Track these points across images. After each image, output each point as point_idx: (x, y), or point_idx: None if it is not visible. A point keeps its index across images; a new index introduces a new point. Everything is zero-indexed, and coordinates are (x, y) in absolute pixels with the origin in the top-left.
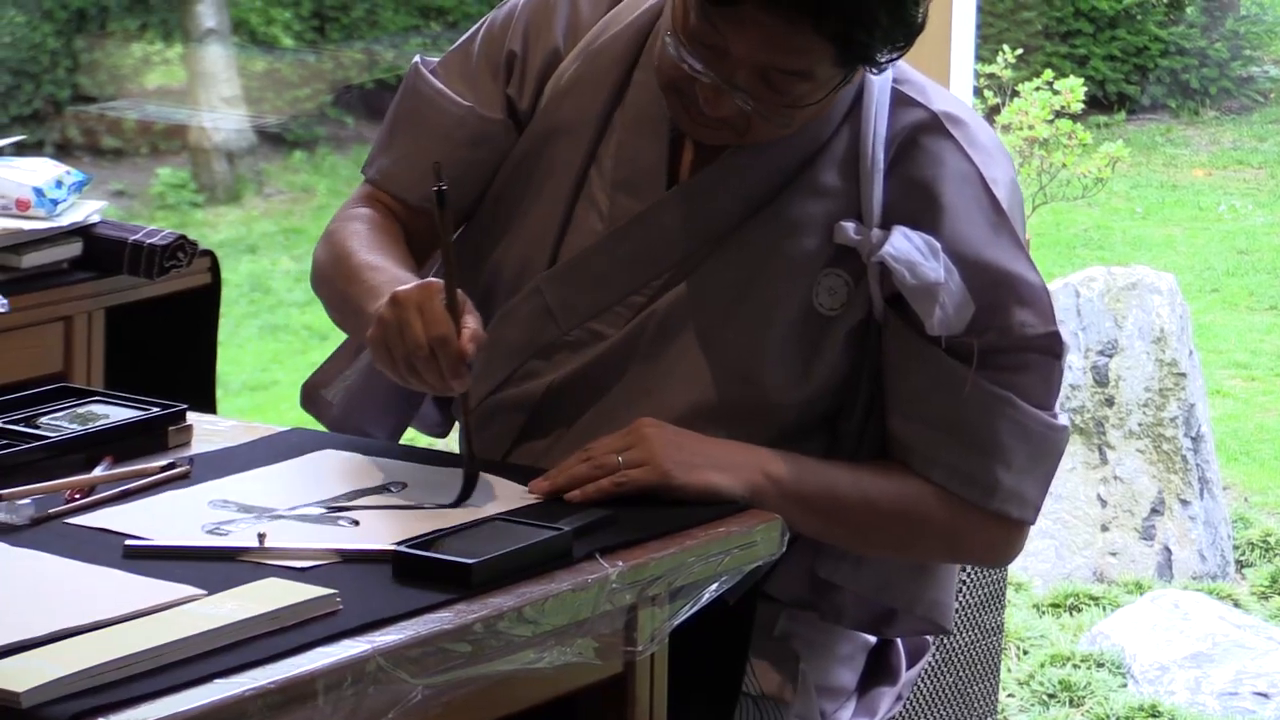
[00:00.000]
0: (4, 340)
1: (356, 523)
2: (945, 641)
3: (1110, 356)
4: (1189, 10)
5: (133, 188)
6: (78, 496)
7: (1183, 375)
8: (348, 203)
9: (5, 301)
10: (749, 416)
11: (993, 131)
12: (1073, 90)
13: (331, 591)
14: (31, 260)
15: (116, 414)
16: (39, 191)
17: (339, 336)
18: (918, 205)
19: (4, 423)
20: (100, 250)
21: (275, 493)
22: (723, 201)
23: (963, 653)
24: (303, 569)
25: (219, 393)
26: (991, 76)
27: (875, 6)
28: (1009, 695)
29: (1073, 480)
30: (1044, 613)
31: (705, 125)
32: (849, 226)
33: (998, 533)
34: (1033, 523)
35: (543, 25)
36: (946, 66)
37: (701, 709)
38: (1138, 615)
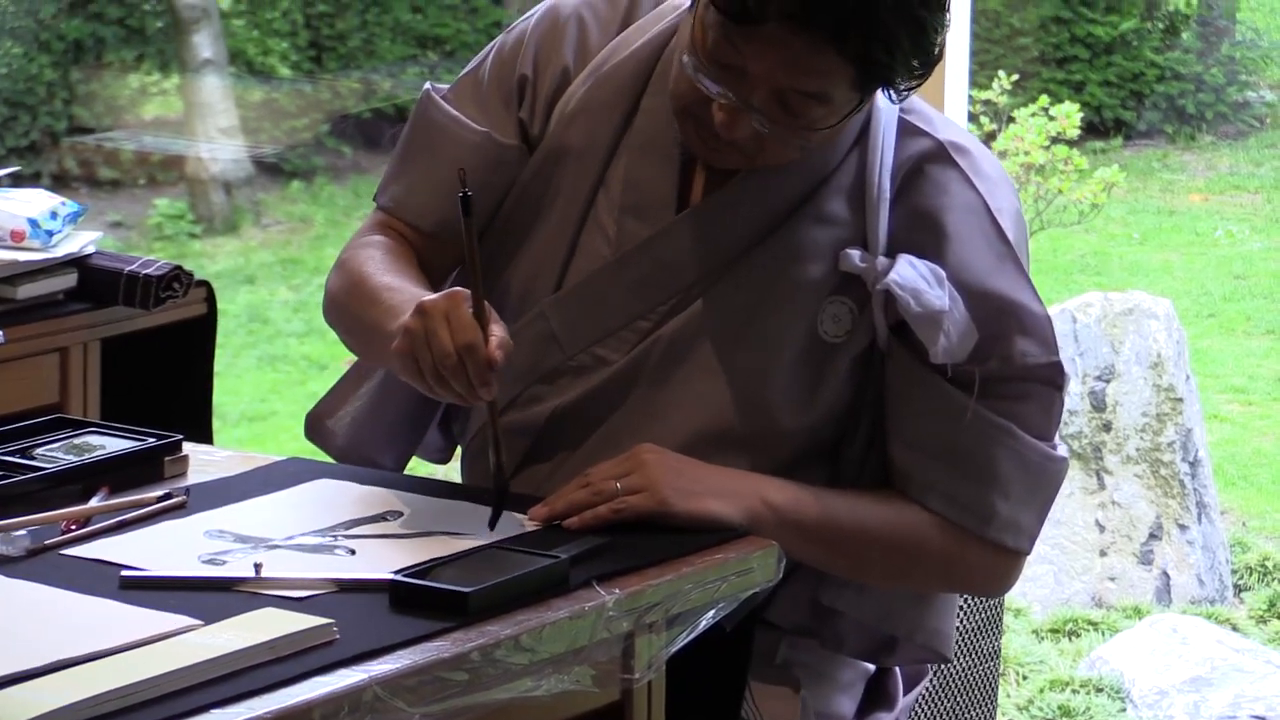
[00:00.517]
0: (0, 371)
1: (353, 552)
2: (943, 667)
3: (1107, 382)
4: (1185, 36)
5: (130, 219)
6: (74, 527)
7: (1180, 400)
8: (359, 231)
9: (1, 333)
10: (754, 443)
11: (998, 161)
12: (1069, 116)
13: (328, 621)
14: (27, 291)
15: (112, 445)
16: (34, 223)
17: (338, 367)
18: (923, 234)
19: (0, 454)
20: (96, 281)
21: (272, 522)
22: (730, 228)
23: (960, 678)
24: (299, 599)
25: (217, 423)
26: (987, 103)
27: (897, 29)
28: None
29: (1070, 505)
30: (1043, 638)
31: (717, 149)
32: (854, 254)
33: (994, 562)
34: (1028, 552)
35: (552, 48)
36: (941, 92)
37: None
38: (1136, 640)
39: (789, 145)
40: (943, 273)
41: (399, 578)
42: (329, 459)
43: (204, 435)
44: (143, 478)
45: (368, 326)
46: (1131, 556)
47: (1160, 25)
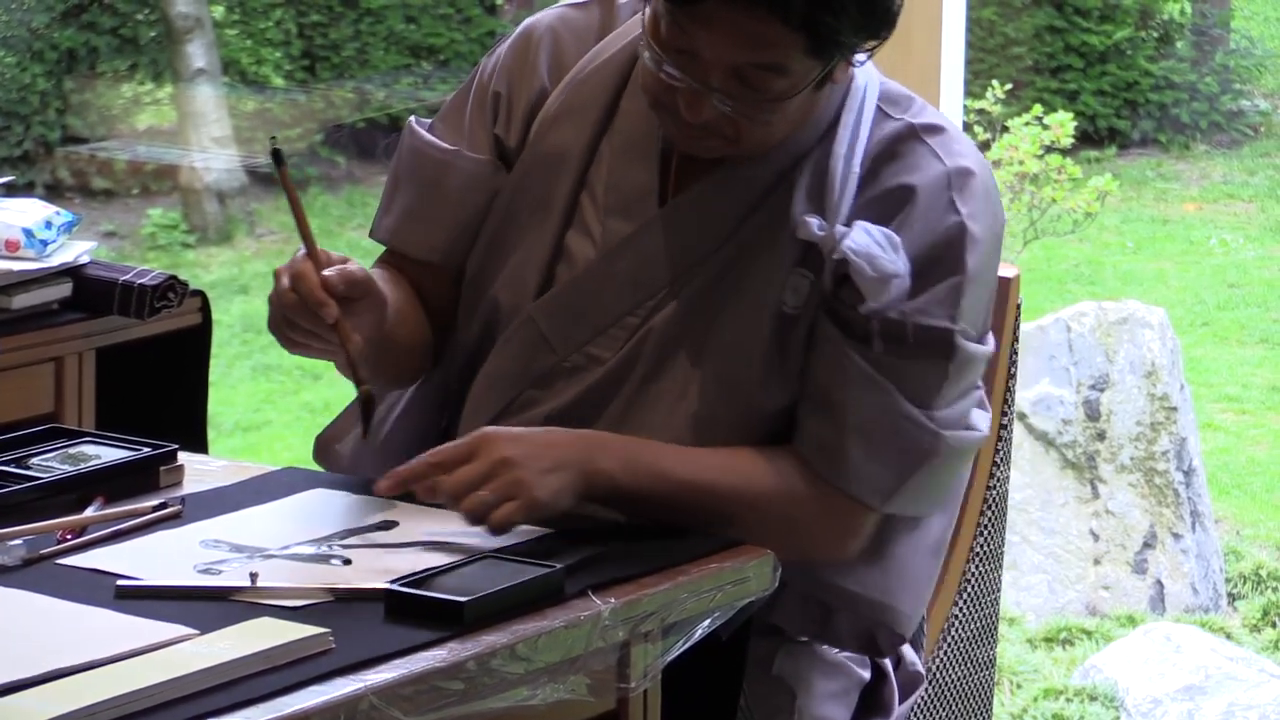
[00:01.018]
0: None
1: (349, 561)
2: (937, 676)
3: (1101, 391)
4: (1179, 45)
5: (124, 228)
6: (69, 537)
7: (1174, 409)
8: None
9: None
10: (746, 425)
11: (971, 142)
12: (1063, 125)
13: (324, 630)
14: (21, 301)
15: (108, 454)
16: (28, 232)
17: (332, 377)
18: (886, 208)
19: None
20: (90, 291)
21: (267, 532)
22: (709, 218)
23: (955, 687)
24: (295, 608)
25: (212, 433)
26: (981, 112)
27: None
28: None
29: (1065, 514)
30: (1037, 647)
31: (696, 137)
32: (813, 222)
33: (841, 516)
34: (876, 510)
35: (526, 64)
36: (936, 101)
37: None
38: (1130, 649)
39: (759, 121)
40: (898, 240)
41: (395, 587)
42: (323, 469)
43: (199, 445)
44: (138, 487)
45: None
46: (1125, 565)
47: (1154, 34)
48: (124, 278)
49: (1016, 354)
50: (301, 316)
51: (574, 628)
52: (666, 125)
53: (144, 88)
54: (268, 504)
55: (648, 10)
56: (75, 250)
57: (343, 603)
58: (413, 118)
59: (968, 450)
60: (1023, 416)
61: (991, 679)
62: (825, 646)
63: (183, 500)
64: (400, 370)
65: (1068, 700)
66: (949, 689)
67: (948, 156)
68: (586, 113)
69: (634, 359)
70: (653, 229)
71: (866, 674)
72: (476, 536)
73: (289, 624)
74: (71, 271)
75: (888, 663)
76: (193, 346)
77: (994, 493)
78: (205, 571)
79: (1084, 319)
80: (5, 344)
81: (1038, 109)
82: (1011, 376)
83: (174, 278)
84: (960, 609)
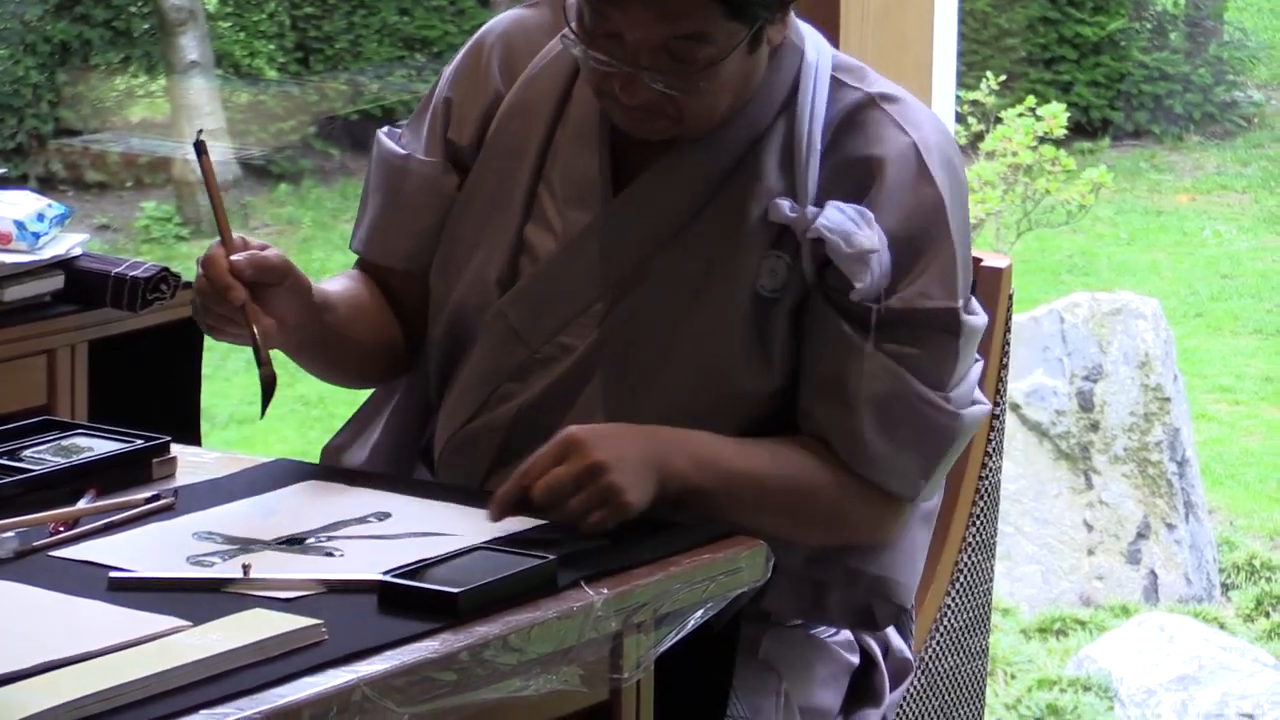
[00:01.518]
0: None
1: (341, 553)
2: (930, 666)
3: (1095, 381)
4: (1172, 36)
5: (117, 221)
6: (62, 529)
7: (1167, 400)
8: None
9: None
10: (722, 410)
11: (931, 111)
12: (1056, 116)
13: (317, 622)
14: (13, 294)
15: (100, 447)
16: (20, 225)
17: None
18: (853, 181)
19: None
20: (83, 283)
21: (260, 524)
22: (669, 200)
23: (948, 677)
24: (288, 599)
25: (205, 426)
26: (975, 103)
27: None
28: (997, 719)
29: (1058, 505)
30: (1031, 637)
31: (640, 119)
32: (784, 204)
33: (879, 510)
34: (911, 500)
35: (478, 70)
36: (929, 93)
37: None
38: (1124, 639)
39: (694, 92)
40: (870, 214)
41: (388, 578)
42: (315, 461)
43: (192, 437)
44: (131, 480)
45: None
46: (1119, 556)
47: (1148, 25)
48: (116, 270)
49: (1009, 345)
50: (213, 300)
51: (567, 619)
52: (613, 112)
53: (137, 80)
54: (260, 496)
55: (570, 3)
56: (68, 243)
57: (335, 594)
58: (384, 128)
59: (978, 426)
60: (1016, 407)
61: (984, 669)
62: (813, 631)
63: (175, 492)
64: (358, 365)
65: (1062, 691)
66: (942, 679)
67: (911, 127)
68: (540, 107)
69: (604, 346)
70: (610, 216)
71: (855, 659)
72: (468, 528)
73: (281, 615)
74: (64, 264)
75: (877, 650)
76: (186, 339)
77: (986, 483)
78: (198, 563)
79: (1078, 310)
80: None
81: (1031, 100)
82: (1004, 367)
83: (166, 270)
84: (953, 599)
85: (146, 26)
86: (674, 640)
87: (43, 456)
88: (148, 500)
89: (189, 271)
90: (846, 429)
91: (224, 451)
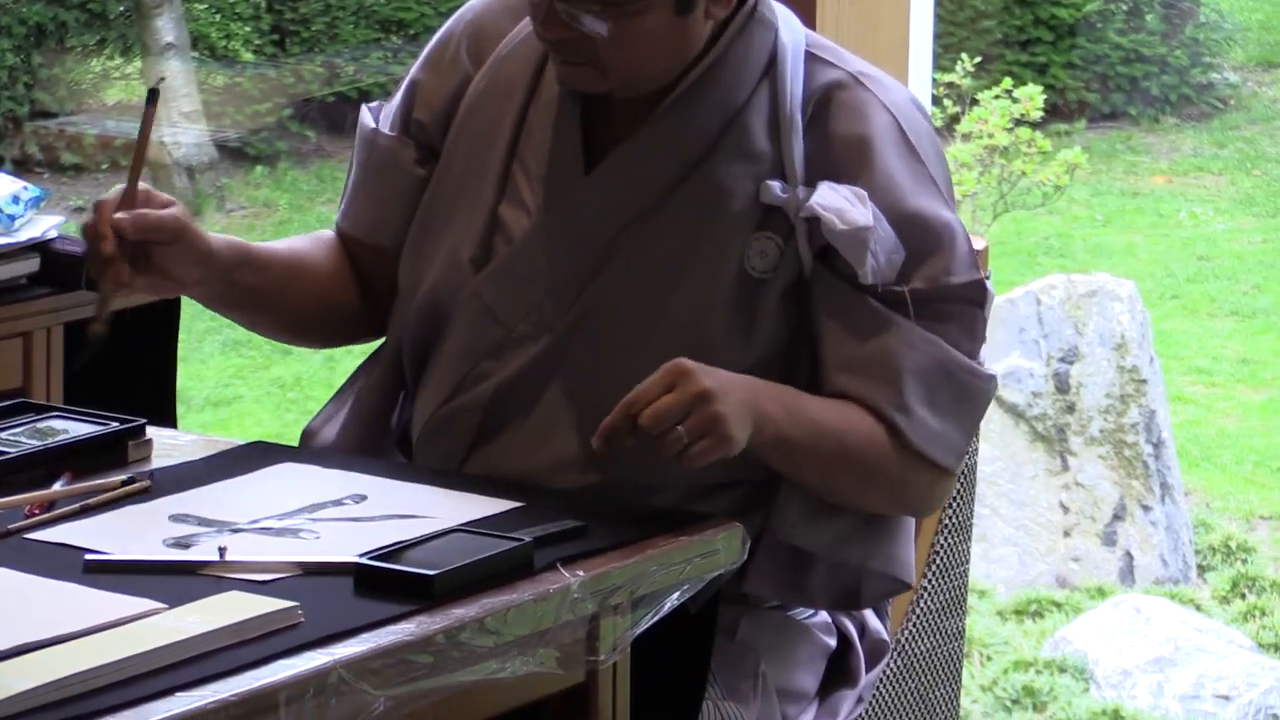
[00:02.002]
0: None
1: (318, 535)
2: (907, 647)
3: (1071, 363)
4: (1149, 18)
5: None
6: (38, 511)
7: (1144, 382)
8: None
9: None
10: None
11: (907, 89)
12: (1032, 98)
13: (293, 604)
14: None
15: (76, 429)
16: None
17: (302, 352)
18: (841, 159)
19: None
20: (59, 265)
21: (236, 506)
22: (646, 173)
23: (924, 659)
24: (264, 582)
25: (181, 408)
26: (951, 85)
27: None
28: (972, 701)
29: (1035, 487)
30: (1007, 619)
31: (569, 68)
32: (775, 186)
33: (928, 479)
34: (955, 472)
35: (447, 54)
36: (904, 75)
37: (665, 717)
38: (1100, 620)
39: (611, 36)
40: (864, 193)
41: (364, 560)
42: (295, 444)
43: (169, 420)
44: (107, 462)
45: None
46: (1095, 537)
47: (1124, 7)
48: None
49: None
50: (90, 248)
51: (543, 601)
52: (556, 66)
53: (113, 62)
54: (237, 478)
55: None
56: (43, 225)
57: (312, 576)
58: (368, 104)
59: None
60: None
61: (960, 650)
62: (790, 613)
63: (151, 475)
64: (289, 326)
65: (1037, 672)
66: (918, 661)
67: (893, 106)
68: (512, 87)
69: (581, 323)
70: (582, 192)
71: (833, 641)
72: (445, 510)
73: (258, 598)
74: (39, 246)
75: (853, 631)
76: (162, 321)
77: (964, 465)
78: (174, 546)
79: (1054, 292)
80: None
81: (1007, 82)
82: None
83: None
84: (929, 581)
85: (122, 8)
86: (651, 622)
87: (18, 439)
88: (124, 483)
89: None
90: (894, 404)
91: (200, 434)
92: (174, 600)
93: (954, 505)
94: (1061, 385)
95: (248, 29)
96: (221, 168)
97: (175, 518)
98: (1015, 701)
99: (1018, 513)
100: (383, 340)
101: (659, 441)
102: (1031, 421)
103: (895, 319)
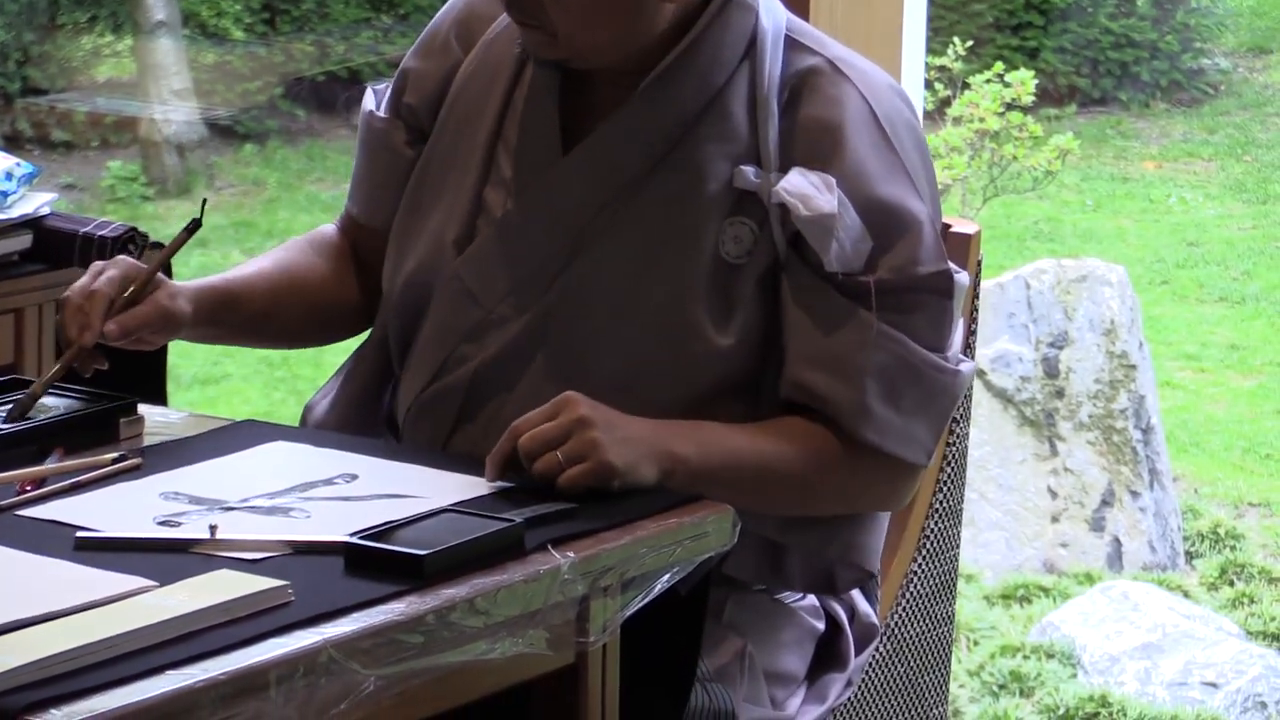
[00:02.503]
0: None
1: (308, 514)
2: (896, 632)
3: (1060, 348)
4: (1139, 3)
5: (83, 181)
6: (29, 488)
7: (1133, 367)
8: None
9: None
10: (673, 373)
11: (888, 76)
12: (1023, 83)
13: (283, 583)
14: None
15: (67, 406)
16: None
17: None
18: (814, 145)
19: None
20: (51, 242)
21: (227, 485)
22: (623, 155)
23: (913, 643)
24: (254, 560)
25: (170, 386)
26: (942, 69)
27: None
28: (959, 686)
29: (1023, 472)
30: (994, 604)
31: (524, 28)
32: (749, 171)
33: (890, 476)
34: (924, 466)
35: (437, 40)
36: (897, 59)
37: (655, 699)
38: (1088, 606)
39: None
40: (832, 180)
41: (354, 540)
42: (284, 422)
43: (159, 397)
44: (98, 439)
45: None
46: (1083, 523)
47: None
48: (84, 229)
49: (976, 311)
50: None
51: (533, 582)
52: (522, 36)
53: (104, 40)
54: (228, 456)
55: None
56: (35, 202)
57: (302, 555)
58: (374, 86)
59: (970, 382)
60: (981, 374)
61: (950, 635)
62: (778, 596)
63: (142, 452)
64: (290, 338)
65: (1025, 657)
66: (907, 645)
67: (869, 92)
68: (498, 70)
69: (557, 306)
70: (564, 169)
71: (820, 625)
72: (436, 490)
73: (248, 576)
74: (32, 223)
75: (843, 615)
76: None
77: (953, 450)
78: (164, 524)
79: (1043, 276)
80: None
81: (999, 66)
82: (973, 333)
83: (134, 229)
84: (919, 565)
85: None
86: (641, 604)
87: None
88: (115, 460)
89: (155, 232)
90: (852, 401)
91: (191, 412)
92: (164, 578)
93: (944, 490)
94: (1050, 370)
95: (238, 7)
96: (211, 145)
97: (166, 495)
98: (1002, 687)
99: (1006, 498)
100: None
101: (536, 465)
102: (1020, 406)
103: (859, 312)
